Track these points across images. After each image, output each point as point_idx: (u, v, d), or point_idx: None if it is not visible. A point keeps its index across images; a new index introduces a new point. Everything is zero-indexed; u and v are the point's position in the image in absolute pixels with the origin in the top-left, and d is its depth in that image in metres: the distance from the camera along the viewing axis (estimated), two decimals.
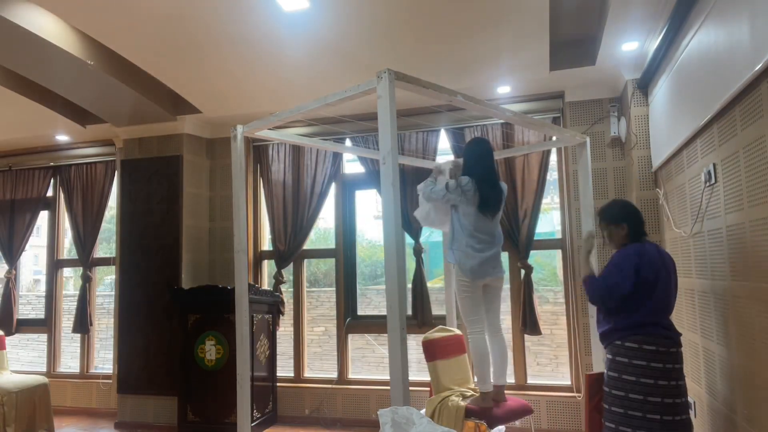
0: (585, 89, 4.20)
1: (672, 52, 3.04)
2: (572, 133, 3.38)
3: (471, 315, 3.22)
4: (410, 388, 2.19)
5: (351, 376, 4.89)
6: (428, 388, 4.38)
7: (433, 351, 3.34)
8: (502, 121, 4.23)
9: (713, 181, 2.56)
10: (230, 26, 3.45)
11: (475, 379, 3.44)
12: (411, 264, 4.63)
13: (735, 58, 2.15)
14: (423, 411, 3.70)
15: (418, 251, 4.59)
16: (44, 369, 5.64)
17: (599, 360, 3.26)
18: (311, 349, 5.30)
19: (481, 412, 3.00)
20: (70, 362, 5.79)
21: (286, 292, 5.09)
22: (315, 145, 3.60)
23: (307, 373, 5.03)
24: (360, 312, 5.00)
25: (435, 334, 3.44)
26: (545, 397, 4.19)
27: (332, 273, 5.11)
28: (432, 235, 5.57)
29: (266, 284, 5.22)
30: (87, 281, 5.42)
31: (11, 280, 5.67)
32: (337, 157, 4.90)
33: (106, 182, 5.48)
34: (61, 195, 5.73)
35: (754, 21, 1.96)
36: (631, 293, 2.44)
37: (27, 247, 5.76)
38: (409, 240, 4.56)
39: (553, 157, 4.49)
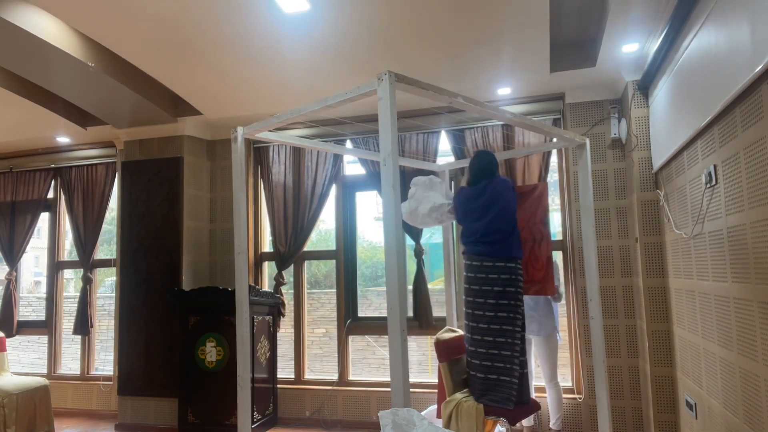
0: (585, 91, 4.21)
1: (672, 53, 3.05)
2: (572, 134, 3.39)
3: None
4: (411, 390, 2.19)
5: (351, 377, 4.88)
6: (428, 390, 4.38)
7: (445, 351, 3.35)
8: (502, 122, 4.23)
9: (714, 182, 2.56)
10: (231, 28, 3.46)
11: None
12: (412, 266, 4.63)
13: (735, 59, 2.15)
14: (425, 411, 3.71)
15: (418, 253, 4.59)
16: (45, 371, 5.64)
17: (600, 361, 3.26)
18: (312, 351, 5.30)
19: (500, 410, 3.01)
20: (70, 364, 5.79)
21: (287, 293, 5.09)
22: (315, 147, 3.60)
23: (308, 375, 5.03)
24: (360, 313, 5.00)
25: (445, 334, 3.46)
26: (546, 399, 4.17)
27: (333, 274, 5.11)
28: (432, 237, 5.57)
29: (267, 286, 5.22)
30: (87, 283, 5.42)
31: (12, 282, 5.67)
32: (337, 159, 4.91)
33: (107, 184, 5.49)
34: (62, 197, 5.73)
35: (754, 22, 1.96)
36: None
37: (28, 248, 5.77)
38: (409, 242, 4.56)
39: (554, 159, 4.49)
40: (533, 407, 3.27)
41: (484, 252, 3.07)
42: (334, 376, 4.86)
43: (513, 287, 3.00)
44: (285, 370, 4.99)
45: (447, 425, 3.12)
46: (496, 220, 3.07)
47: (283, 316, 5.00)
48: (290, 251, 4.92)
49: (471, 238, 3.17)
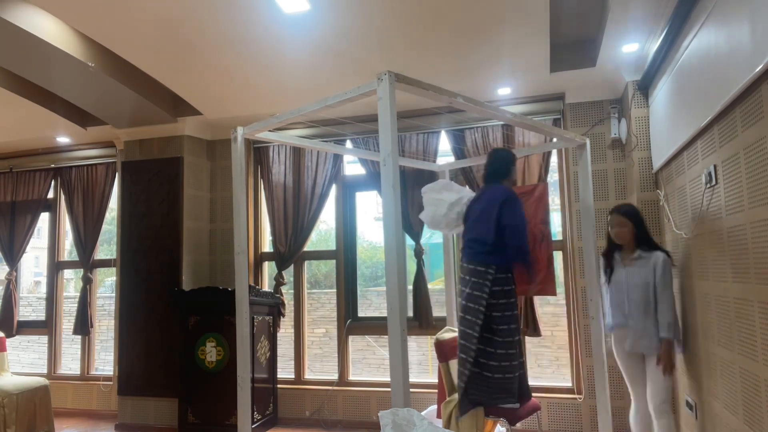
0: (585, 91, 4.21)
1: (672, 53, 3.05)
2: (572, 134, 3.39)
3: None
4: (411, 390, 2.19)
5: (351, 377, 4.88)
6: (428, 390, 4.38)
7: (445, 351, 3.36)
8: (502, 122, 4.23)
9: (714, 182, 2.56)
10: (231, 28, 3.46)
11: None
12: (411, 266, 4.63)
13: (735, 59, 2.15)
14: (425, 411, 3.71)
15: (418, 253, 4.59)
16: (45, 371, 5.64)
17: (600, 361, 3.26)
18: (312, 351, 5.30)
19: (500, 410, 3.01)
20: (70, 364, 5.79)
21: (287, 293, 5.09)
22: (315, 147, 3.60)
23: (308, 375, 5.03)
24: (360, 313, 5.00)
25: (445, 335, 3.47)
26: (546, 399, 4.18)
27: (333, 274, 5.11)
28: (432, 237, 5.57)
29: (267, 286, 5.22)
30: (88, 283, 5.42)
31: (12, 282, 5.67)
32: (337, 159, 4.91)
33: (107, 184, 5.49)
34: (62, 197, 5.73)
35: (754, 22, 1.96)
36: None
37: (28, 248, 5.77)
38: (409, 242, 4.56)
39: (554, 159, 4.49)
40: (533, 407, 3.27)
41: (465, 255, 3.15)
42: (334, 376, 4.86)
43: (479, 292, 2.97)
44: (285, 370, 4.98)
45: (447, 425, 3.12)
46: (479, 228, 3.11)
47: (283, 316, 5.00)
48: (290, 251, 4.91)
49: (464, 238, 3.25)
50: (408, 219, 4.50)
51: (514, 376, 3.02)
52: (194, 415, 4.49)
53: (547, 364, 5.43)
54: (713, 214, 2.61)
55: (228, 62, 3.90)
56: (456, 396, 3.22)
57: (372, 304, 5.67)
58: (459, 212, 3.54)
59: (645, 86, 3.69)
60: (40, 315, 5.96)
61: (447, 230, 3.85)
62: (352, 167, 5.08)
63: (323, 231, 5.84)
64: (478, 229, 3.10)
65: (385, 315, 2.13)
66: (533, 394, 3.97)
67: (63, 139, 5.51)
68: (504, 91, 4.32)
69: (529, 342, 4.52)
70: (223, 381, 4.39)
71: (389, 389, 2.05)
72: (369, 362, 5.59)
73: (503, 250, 3.03)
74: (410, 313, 4.58)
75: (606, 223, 4.13)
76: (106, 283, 6.38)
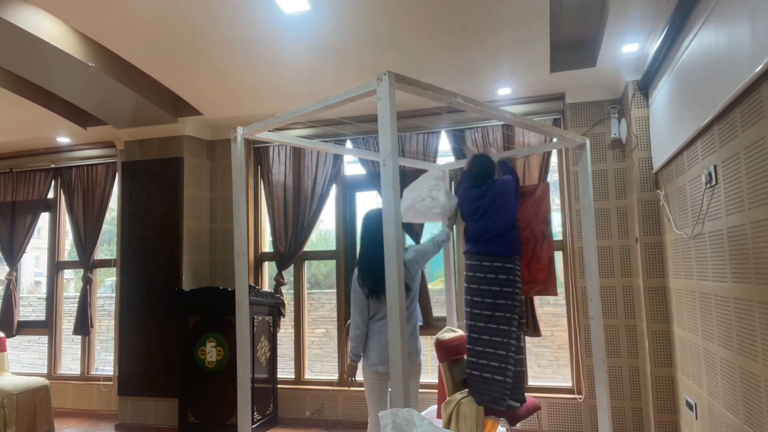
0: (585, 91, 4.21)
1: (672, 53, 3.05)
2: (572, 134, 3.39)
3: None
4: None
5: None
6: (428, 390, 4.38)
7: (445, 351, 3.36)
8: (502, 123, 4.23)
9: (714, 182, 2.56)
10: (231, 28, 3.46)
11: None
12: None
13: (735, 59, 2.15)
14: (425, 411, 3.71)
15: None
16: (45, 371, 5.64)
17: (600, 361, 3.26)
18: (312, 351, 5.30)
19: (501, 410, 3.02)
20: (70, 364, 5.80)
21: (287, 293, 5.09)
22: (315, 147, 3.60)
23: (308, 375, 5.02)
24: None
25: (445, 334, 3.47)
26: (546, 399, 4.18)
27: (333, 275, 5.11)
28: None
29: (267, 286, 5.22)
30: (88, 283, 5.42)
31: (12, 282, 5.67)
32: (337, 159, 4.91)
33: (107, 184, 5.49)
34: (62, 197, 5.74)
35: (754, 22, 1.96)
36: None
37: (28, 248, 5.77)
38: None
39: (554, 159, 4.49)
40: (533, 407, 3.27)
41: (482, 251, 3.13)
42: (334, 376, 4.86)
43: (510, 287, 3.01)
44: (285, 370, 4.98)
45: (447, 425, 3.12)
46: (492, 218, 3.12)
47: (283, 316, 5.00)
48: (290, 251, 4.91)
49: (470, 236, 3.24)
50: None
51: (512, 373, 3.04)
52: (194, 415, 4.49)
53: (547, 364, 5.44)
54: (713, 214, 2.61)
55: (228, 62, 3.90)
56: (456, 396, 3.21)
57: None
58: (426, 212, 3.56)
59: (645, 86, 3.69)
60: (40, 315, 5.96)
61: (408, 216, 3.83)
62: (352, 167, 5.08)
63: (323, 231, 5.85)
64: (493, 223, 3.11)
65: None
66: (534, 395, 3.98)
67: (63, 139, 5.51)
68: (504, 91, 4.32)
69: (529, 342, 4.52)
70: (223, 381, 4.39)
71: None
72: None
73: (518, 238, 3.14)
74: None
75: (606, 223, 4.15)
76: (106, 283, 6.38)
